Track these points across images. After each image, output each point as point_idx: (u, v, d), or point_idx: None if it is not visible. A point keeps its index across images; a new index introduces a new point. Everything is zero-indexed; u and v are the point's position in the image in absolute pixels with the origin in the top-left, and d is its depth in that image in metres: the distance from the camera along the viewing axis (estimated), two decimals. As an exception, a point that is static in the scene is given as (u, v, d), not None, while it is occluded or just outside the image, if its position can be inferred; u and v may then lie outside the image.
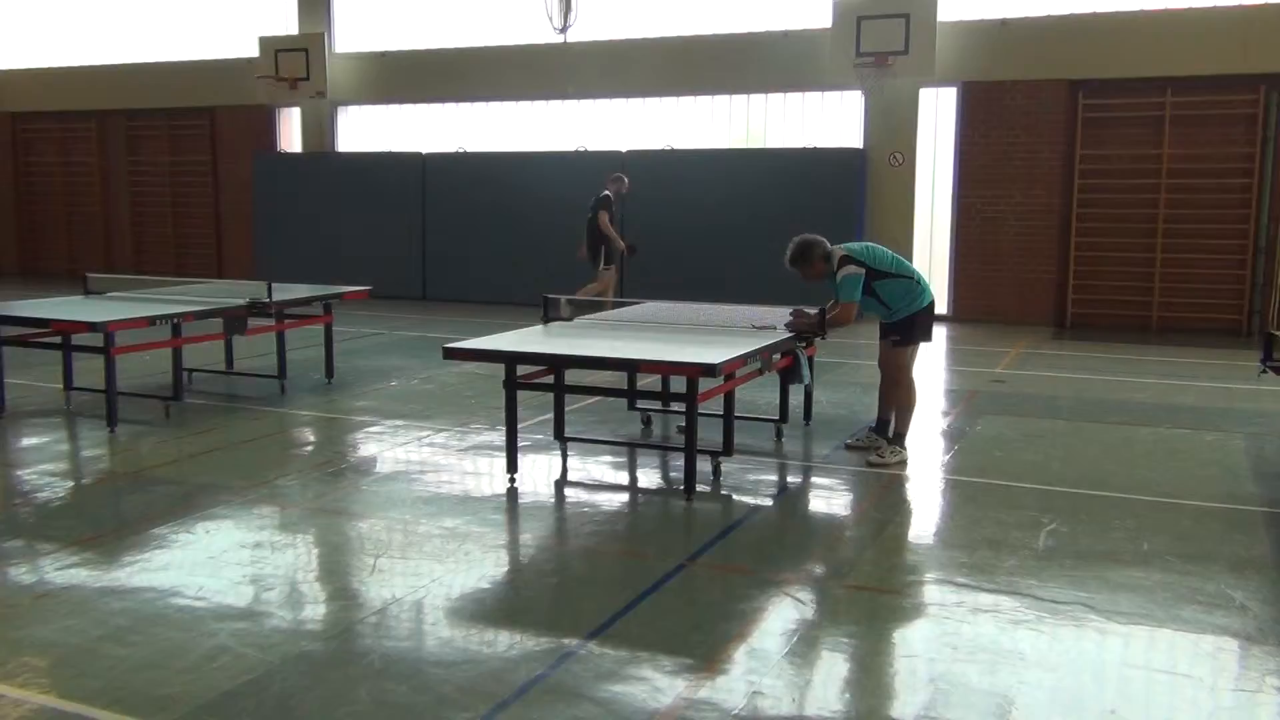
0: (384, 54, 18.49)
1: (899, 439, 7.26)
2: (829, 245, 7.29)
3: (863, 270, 7.13)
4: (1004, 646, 4.37)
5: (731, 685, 4.02)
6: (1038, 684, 4.06)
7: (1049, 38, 14.60)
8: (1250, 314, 14.11)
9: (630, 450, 7.65)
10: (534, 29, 17.23)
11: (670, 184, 16.14)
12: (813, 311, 7.30)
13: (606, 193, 13.55)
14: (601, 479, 7.07)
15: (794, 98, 16.31)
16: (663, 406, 8.37)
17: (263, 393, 9.59)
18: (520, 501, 6.45)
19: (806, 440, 8.03)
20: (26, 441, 7.90)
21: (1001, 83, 14.87)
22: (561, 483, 6.94)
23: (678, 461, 7.05)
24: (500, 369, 6.82)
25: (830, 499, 6.79)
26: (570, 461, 7.35)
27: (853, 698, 3.98)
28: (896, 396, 7.33)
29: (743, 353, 6.53)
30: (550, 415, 7.61)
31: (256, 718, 3.75)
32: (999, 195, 15.08)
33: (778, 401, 8.14)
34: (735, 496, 6.63)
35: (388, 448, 7.72)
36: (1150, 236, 14.39)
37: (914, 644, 4.45)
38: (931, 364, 12.42)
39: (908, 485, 6.89)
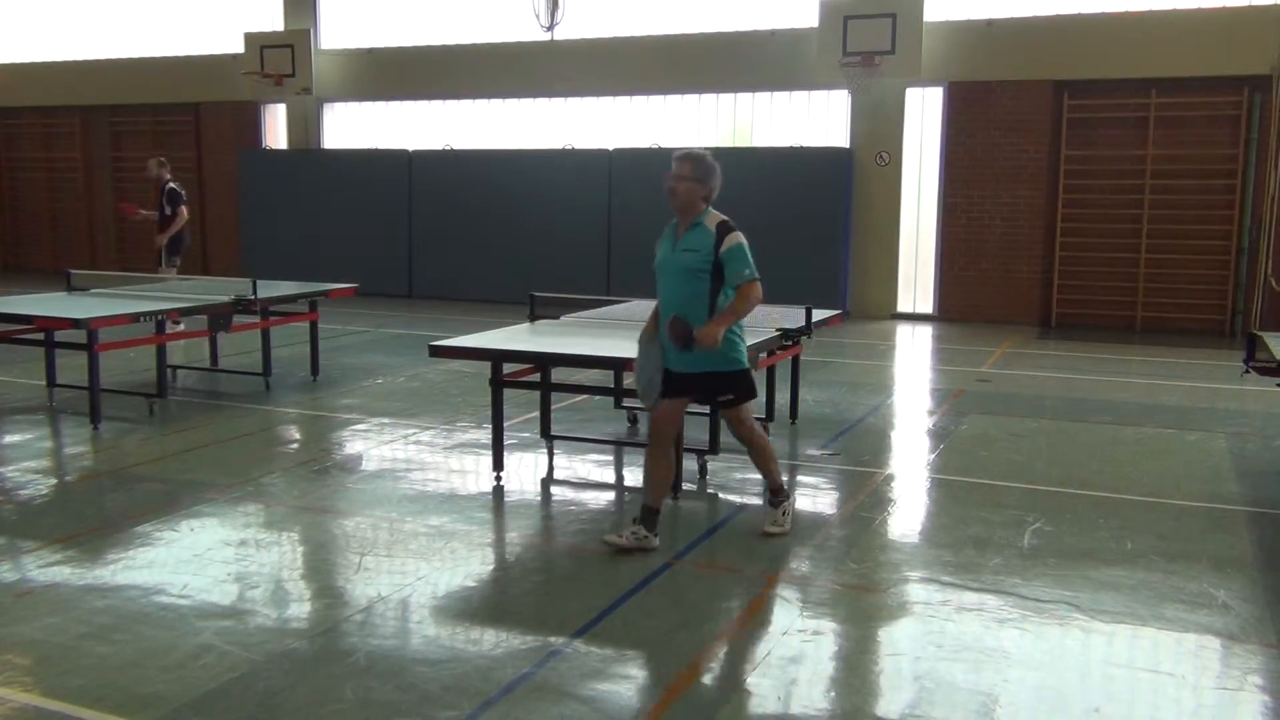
0: (370, 51, 18.43)
1: (780, 491, 5.86)
2: (715, 193, 5.70)
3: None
4: (989, 645, 4.39)
5: (717, 684, 4.02)
6: (1022, 682, 4.08)
7: (1035, 39, 14.65)
8: (1233, 314, 14.20)
9: (616, 448, 7.65)
10: (521, 27, 17.20)
11: (657, 182, 16.05)
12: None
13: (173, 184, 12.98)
14: (587, 477, 7.07)
15: (781, 97, 16.33)
16: (649, 405, 8.35)
17: (248, 390, 9.55)
18: (506, 500, 6.44)
19: (793, 439, 8.04)
20: (9, 439, 7.84)
21: (987, 83, 14.92)
22: (547, 481, 6.93)
23: (664, 460, 7.04)
24: (486, 367, 6.82)
25: (816, 497, 6.80)
26: (556, 460, 7.34)
27: (838, 696, 3.99)
28: (754, 454, 5.82)
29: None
30: (536, 413, 7.60)
31: (240, 716, 3.73)
32: (984, 195, 15.13)
33: (764, 400, 8.14)
34: (721, 495, 6.64)
35: (373, 445, 7.70)
36: (1135, 237, 14.46)
37: (899, 642, 4.46)
38: (917, 363, 12.47)
39: (893, 484, 6.91)
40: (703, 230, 5.46)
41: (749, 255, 5.42)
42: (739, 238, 5.43)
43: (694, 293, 5.38)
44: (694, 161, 5.57)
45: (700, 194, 5.54)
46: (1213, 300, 14.34)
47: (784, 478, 5.91)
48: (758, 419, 8.09)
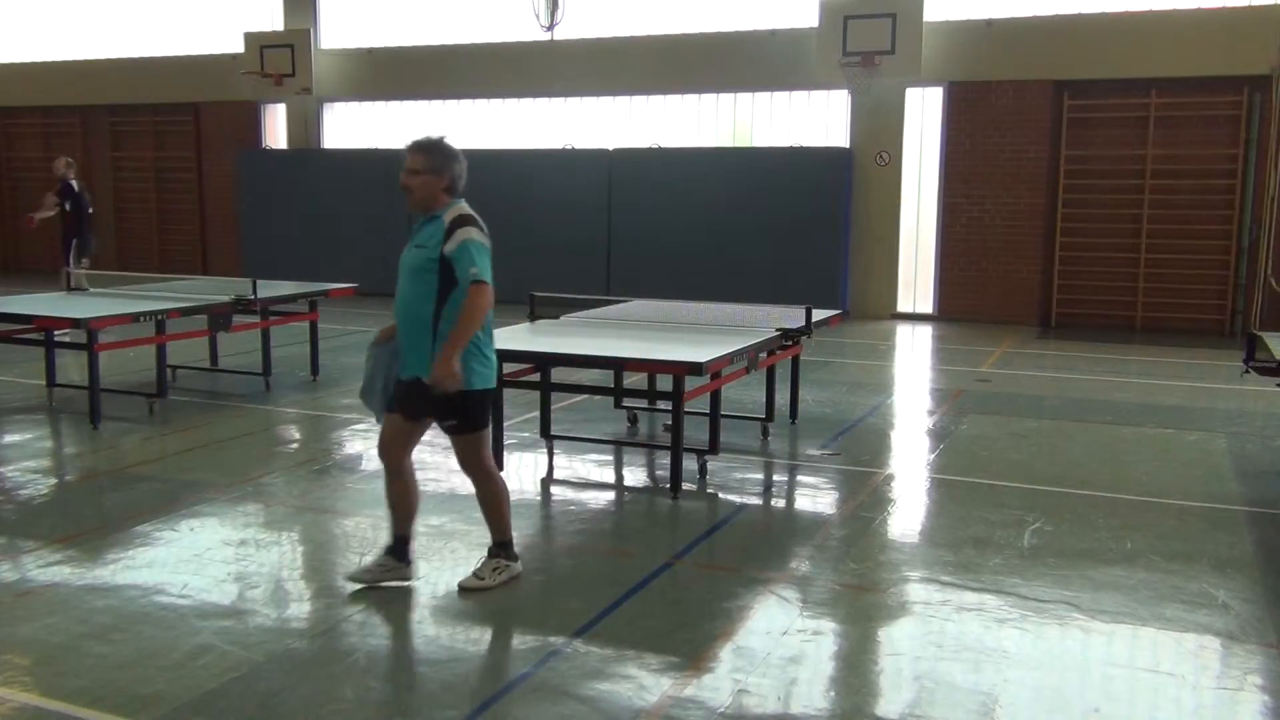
0: (370, 51, 18.42)
1: (504, 548, 5.05)
2: (460, 183, 5.03)
3: (490, 248, 4.89)
4: (989, 645, 4.39)
5: (717, 684, 4.02)
6: (1022, 682, 4.08)
7: (1034, 38, 14.65)
8: (1233, 314, 14.19)
9: (616, 448, 7.65)
10: (521, 27, 17.20)
11: (656, 182, 16.14)
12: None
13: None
14: (588, 477, 7.06)
15: (780, 97, 16.32)
16: (649, 405, 8.37)
17: (247, 390, 9.55)
18: (506, 499, 6.43)
19: (792, 439, 8.04)
20: (9, 439, 7.84)
21: (987, 83, 14.92)
22: (547, 481, 6.93)
23: (664, 460, 7.05)
24: (486, 367, 6.80)
25: (816, 497, 6.80)
26: (556, 460, 7.34)
27: (838, 696, 3.99)
28: (485, 494, 5.00)
29: (729, 351, 6.53)
30: (536, 413, 7.60)
31: (240, 716, 3.73)
32: (984, 195, 15.13)
33: (764, 400, 8.15)
34: (721, 495, 6.64)
35: (373, 445, 7.68)
36: (1135, 237, 14.46)
37: (899, 642, 4.46)
38: (917, 363, 12.47)
39: (893, 484, 6.91)
40: (438, 224, 4.83)
41: (478, 253, 4.73)
42: (470, 234, 4.76)
43: (419, 293, 4.73)
44: (426, 152, 4.92)
45: (439, 186, 4.89)
46: (1213, 300, 14.34)
47: (513, 535, 5.08)
48: (758, 419, 8.16)
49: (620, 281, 16.01)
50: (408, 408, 4.80)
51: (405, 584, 4.94)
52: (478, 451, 4.88)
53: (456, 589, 4.89)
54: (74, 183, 12.83)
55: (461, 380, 4.61)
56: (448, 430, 4.83)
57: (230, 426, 8.22)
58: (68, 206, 12.77)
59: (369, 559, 5.12)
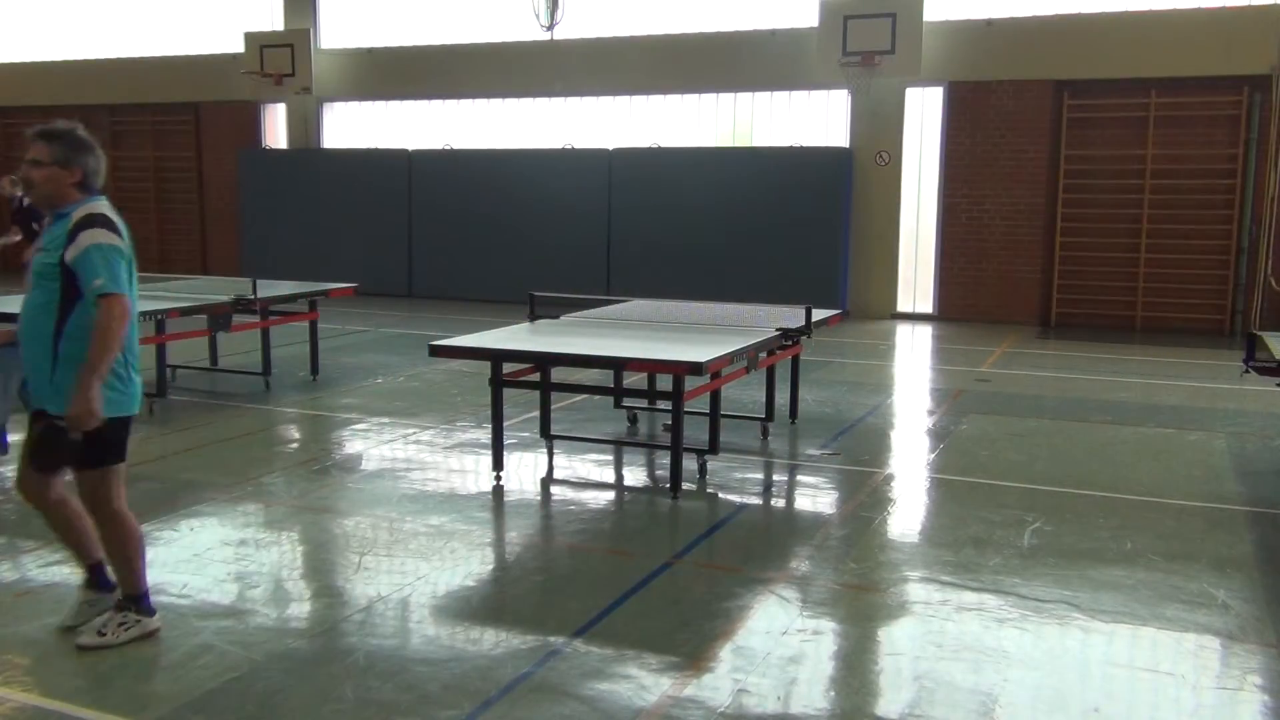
0: (370, 50, 18.43)
1: (133, 602, 4.31)
2: (96, 178, 4.20)
3: (123, 249, 4.11)
4: (988, 645, 4.39)
5: (717, 683, 4.02)
6: (1021, 682, 4.08)
7: (1034, 38, 14.65)
8: (1233, 314, 14.20)
9: (616, 448, 7.65)
10: (521, 27, 17.21)
11: (656, 182, 16.15)
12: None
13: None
14: (587, 477, 7.07)
15: (780, 96, 16.32)
16: (649, 405, 8.37)
17: (247, 390, 9.55)
18: (506, 499, 6.44)
19: (792, 439, 8.04)
20: (9, 439, 7.82)
21: (987, 83, 14.93)
22: (547, 480, 6.93)
23: (664, 459, 7.05)
24: (486, 367, 6.82)
25: (816, 497, 6.80)
26: (556, 459, 7.34)
27: (838, 696, 3.99)
28: (112, 537, 4.27)
29: (729, 351, 6.53)
30: (536, 413, 7.60)
31: (240, 715, 3.73)
32: (984, 195, 15.13)
33: (764, 400, 8.15)
34: (721, 495, 6.64)
35: (373, 445, 7.69)
36: (1134, 236, 14.47)
37: (899, 642, 4.46)
38: (917, 363, 12.47)
39: (893, 484, 6.91)
40: (64, 224, 4.09)
41: (105, 259, 3.99)
42: (95, 236, 4.00)
43: (39, 304, 4.10)
44: (51, 142, 4.12)
45: (68, 181, 4.12)
46: (1213, 300, 14.34)
47: (146, 586, 4.33)
48: (758, 419, 8.17)
49: (620, 281, 16.01)
50: (36, 456, 4.20)
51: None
52: (110, 489, 4.19)
53: (76, 648, 4.19)
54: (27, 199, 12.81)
55: (97, 415, 3.97)
56: (80, 463, 4.17)
57: (230, 426, 8.22)
58: (35, 225, 12.73)
59: (76, 598, 4.49)
